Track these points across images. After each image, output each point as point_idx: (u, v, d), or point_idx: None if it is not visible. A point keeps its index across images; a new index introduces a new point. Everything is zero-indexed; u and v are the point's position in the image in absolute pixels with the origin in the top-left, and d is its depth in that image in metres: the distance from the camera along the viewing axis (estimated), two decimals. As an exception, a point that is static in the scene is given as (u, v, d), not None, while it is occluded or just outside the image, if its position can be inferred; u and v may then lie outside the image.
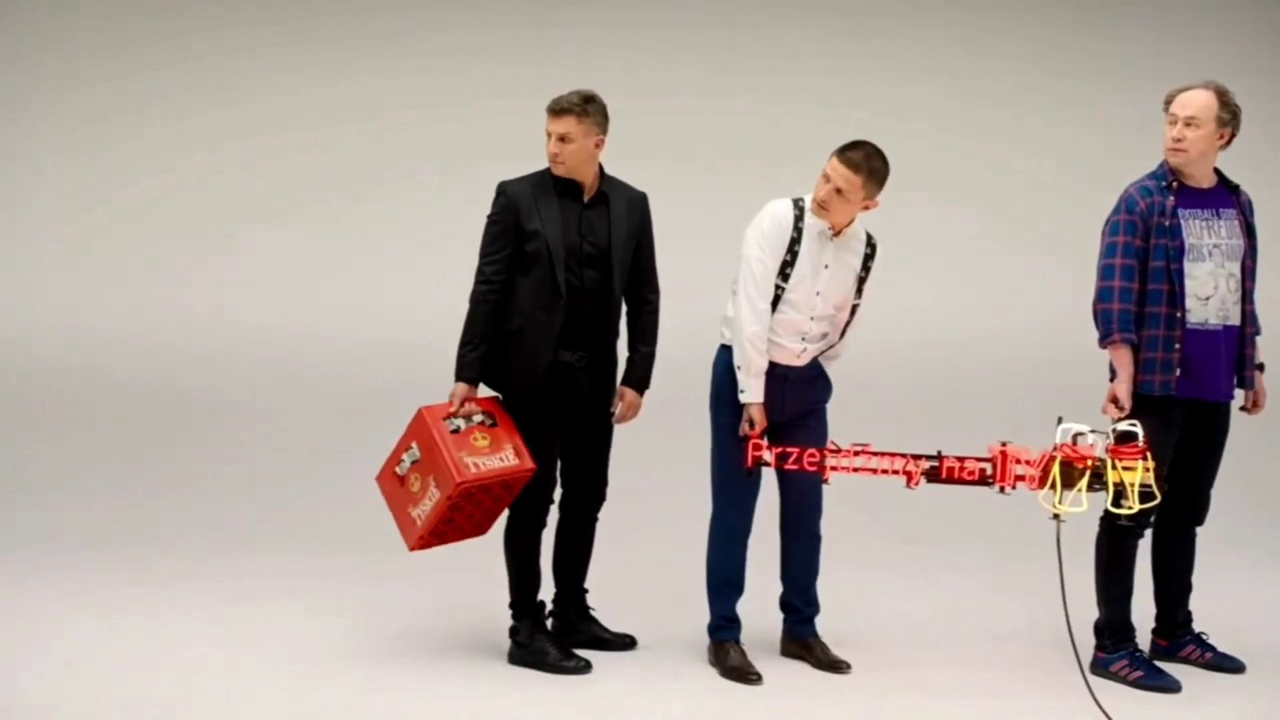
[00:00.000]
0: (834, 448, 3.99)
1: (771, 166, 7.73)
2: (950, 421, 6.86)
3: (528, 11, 7.65)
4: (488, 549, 4.57)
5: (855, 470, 3.95)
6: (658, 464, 5.79)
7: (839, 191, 4.16)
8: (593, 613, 4.64)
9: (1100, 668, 4.31)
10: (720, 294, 4.45)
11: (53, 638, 4.59)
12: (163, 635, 4.61)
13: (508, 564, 4.40)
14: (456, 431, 4.19)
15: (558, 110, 4.32)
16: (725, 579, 4.40)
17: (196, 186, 7.28)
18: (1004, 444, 3.91)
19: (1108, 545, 4.33)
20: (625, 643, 4.58)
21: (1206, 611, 4.63)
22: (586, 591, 4.65)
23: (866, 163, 4.15)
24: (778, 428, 4.26)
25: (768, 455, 4.00)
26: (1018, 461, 3.87)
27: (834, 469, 3.97)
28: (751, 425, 4.16)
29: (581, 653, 4.42)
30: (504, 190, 4.35)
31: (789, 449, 3.98)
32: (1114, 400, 4.18)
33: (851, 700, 4.13)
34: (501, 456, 4.21)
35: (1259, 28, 8.04)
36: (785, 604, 4.53)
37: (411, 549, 4.28)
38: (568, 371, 4.32)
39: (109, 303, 7.26)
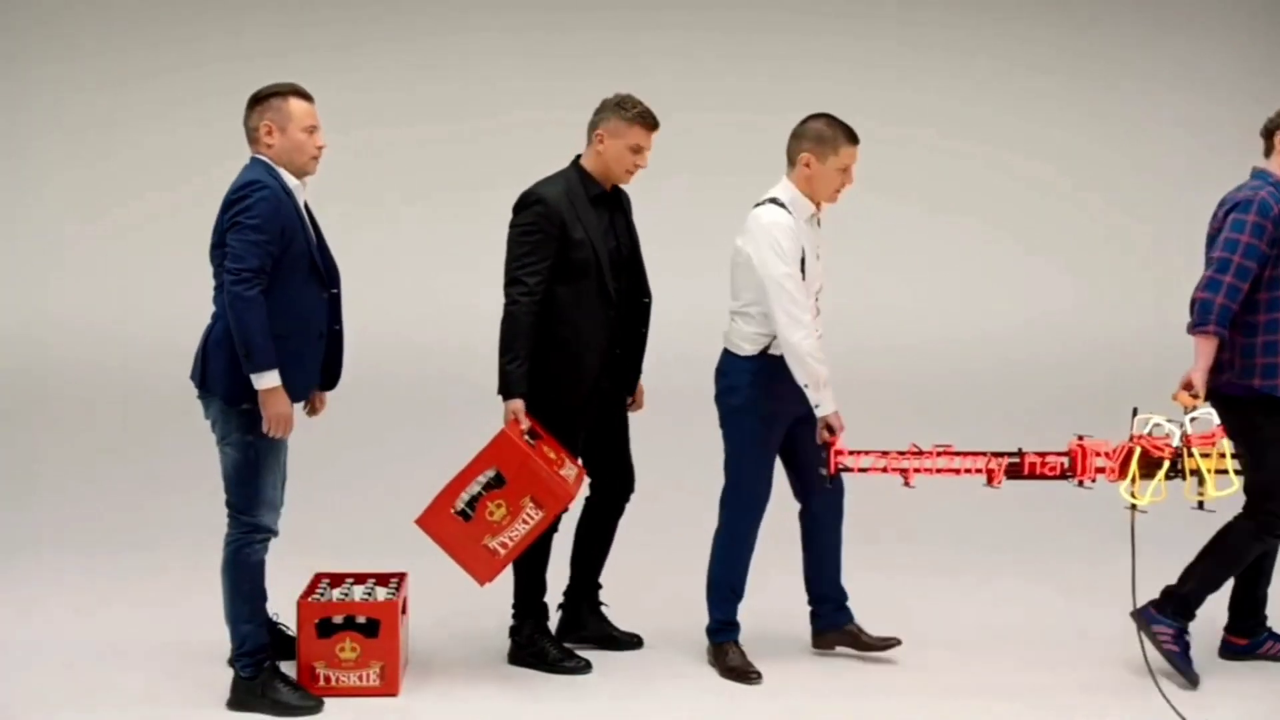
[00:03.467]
0: (916, 450, 4.00)
1: (766, 172, 7.79)
2: (950, 420, 6.87)
3: (518, 14, 7.66)
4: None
5: (939, 472, 3.96)
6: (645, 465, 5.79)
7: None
8: (604, 609, 4.63)
9: (1145, 620, 4.28)
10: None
11: (53, 638, 4.59)
12: (163, 635, 4.61)
13: (516, 564, 4.37)
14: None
15: (657, 126, 4.30)
16: (731, 585, 4.39)
17: (203, 188, 7.28)
18: (1081, 438, 3.93)
19: (1246, 538, 4.25)
20: (633, 642, 4.57)
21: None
22: (600, 587, 4.63)
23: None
24: (799, 423, 4.26)
25: (850, 461, 4.01)
26: (1097, 454, 3.89)
27: (917, 471, 3.99)
28: (831, 432, 4.13)
29: (583, 651, 4.41)
30: (541, 199, 4.21)
31: (867, 452, 4.01)
32: (1187, 387, 4.17)
33: (854, 696, 4.14)
34: (567, 470, 4.16)
35: (1255, 28, 8.04)
36: (821, 597, 4.50)
37: (485, 583, 4.14)
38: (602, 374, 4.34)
39: (113, 302, 7.27)
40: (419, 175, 7.56)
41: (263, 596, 4.04)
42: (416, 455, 6.83)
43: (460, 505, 4.07)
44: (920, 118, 7.64)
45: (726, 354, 4.33)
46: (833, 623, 4.49)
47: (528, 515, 4.03)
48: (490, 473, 4.06)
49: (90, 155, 7.44)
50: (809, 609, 4.53)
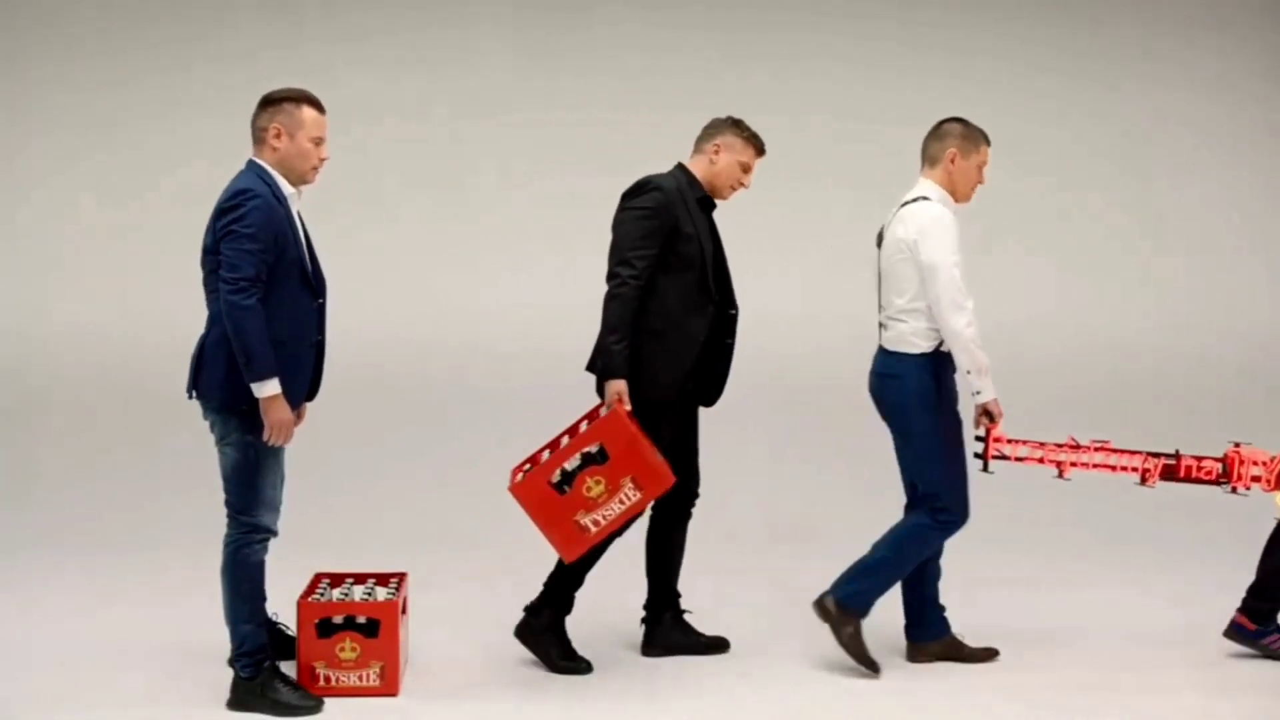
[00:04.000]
0: (1073, 443, 4.05)
1: (763, 170, 7.79)
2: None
3: (523, 12, 7.66)
4: (486, 552, 4.56)
5: (1094, 467, 4.03)
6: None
7: None
8: (687, 616, 4.59)
9: (1248, 638, 4.37)
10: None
11: (53, 638, 4.59)
12: (163, 635, 4.61)
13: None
14: None
15: (765, 152, 4.42)
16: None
17: (203, 188, 7.27)
18: (1237, 445, 3.97)
19: None
20: (720, 646, 4.56)
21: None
22: (680, 595, 4.59)
23: None
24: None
25: (1007, 449, 4.08)
26: (1253, 463, 3.93)
27: (1074, 465, 4.05)
28: (990, 419, 4.20)
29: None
30: (659, 186, 4.26)
31: (1024, 441, 4.09)
32: None
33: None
34: (660, 456, 4.15)
35: (1255, 28, 8.04)
36: (933, 603, 4.48)
37: (572, 559, 4.13)
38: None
39: (113, 302, 7.26)
40: (418, 175, 7.56)
41: (262, 597, 4.04)
42: (416, 455, 6.86)
43: (557, 478, 4.05)
44: (919, 118, 7.63)
45: (895, 355, 4.32)
46: (942, 633, 4.48)
47: (625, 495, 4.01)
48: (593, 448, 4.04)
49: (90, 154, 7.43)
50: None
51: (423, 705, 4.04)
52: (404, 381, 7.24)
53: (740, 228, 4.50)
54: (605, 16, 7.64)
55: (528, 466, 4.23)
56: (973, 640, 4.50)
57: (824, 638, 4.38)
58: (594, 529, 4.04)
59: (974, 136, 4.39)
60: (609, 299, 4.17)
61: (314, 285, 4.04)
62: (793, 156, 6.25)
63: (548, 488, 4.05)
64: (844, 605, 4.30)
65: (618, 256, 4.20)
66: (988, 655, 4.45)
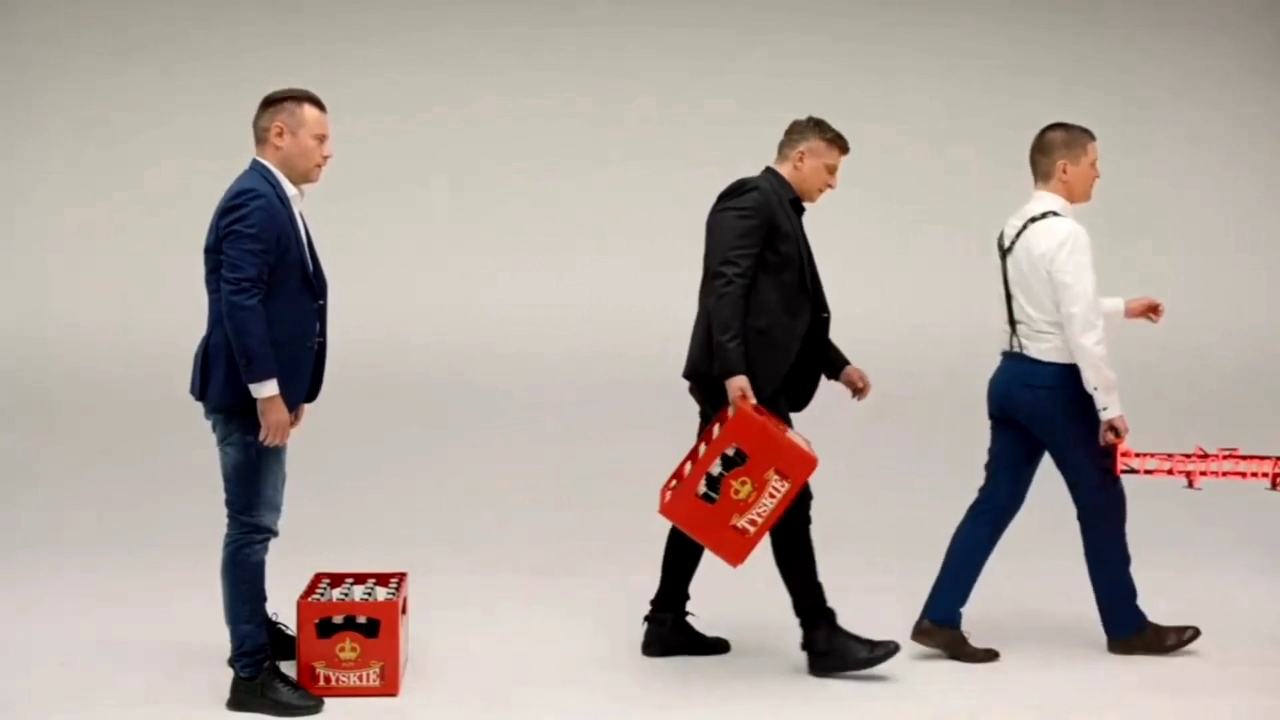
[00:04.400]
0: (1201, 453, 4.14)
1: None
2: (945, 421, 6.88)
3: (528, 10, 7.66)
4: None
5: (1224, 475, 4.12)
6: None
7: None
8: (690, 619, 4.58)
9: None
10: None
11: (53, 638, 4.59)
12: (163, 635, 4.61)
13: (794, 569, 4.30)
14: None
15: (849, 150, 4.42)
16: (1128, 587, 4.50)
17: (202, 186, 7.27)
18: None
19: None
20: (720, 647, 4.56)
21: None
22: (688, 598, 4.58)
23: None
24: None
25: (1135, 463, 4.17)
26: None
27: (1203, 474, 4.13)
28: (1117, 435, 4.28)
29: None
30: (757, 186, 4.28)
31: (1152, 454, 4.19)
32: None
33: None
34: (798, 437, 4.14)
35: (1255, 28, 8.05)
36: (964, 593, 4.56)
37: (739, 563, 4.08)
38: None
39: (113, 302, 7.27)
40: (418, 175, 7.56)
41: (262, 597, 4.04)
42: (416, 455, 6.86)
43: (703, 489, 4.03)
44: (916, 118, 7.64)
45: (1045, 366, 4.38)
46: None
47: (774, 488, 3.99)
48: (729, 451, 4.02)
49: (89, 153, 7.44)
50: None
51: (423, 705, 4.04)
52: (404, 382, 7.24)
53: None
54: (590, 14, 7.64)
55: (674, 484, 4.23)
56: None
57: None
58: (753, 529, 4.01)
59: (1078, 140, 4.43)
60: (717, 299, 4.14)
61: (315, 286, 4.04)
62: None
63: (696, 500, 4.03)
64: (1129, 636, 4.47)
65: (720, 256, 4.18)
66: (987, 656, 4.46)
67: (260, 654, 3.97)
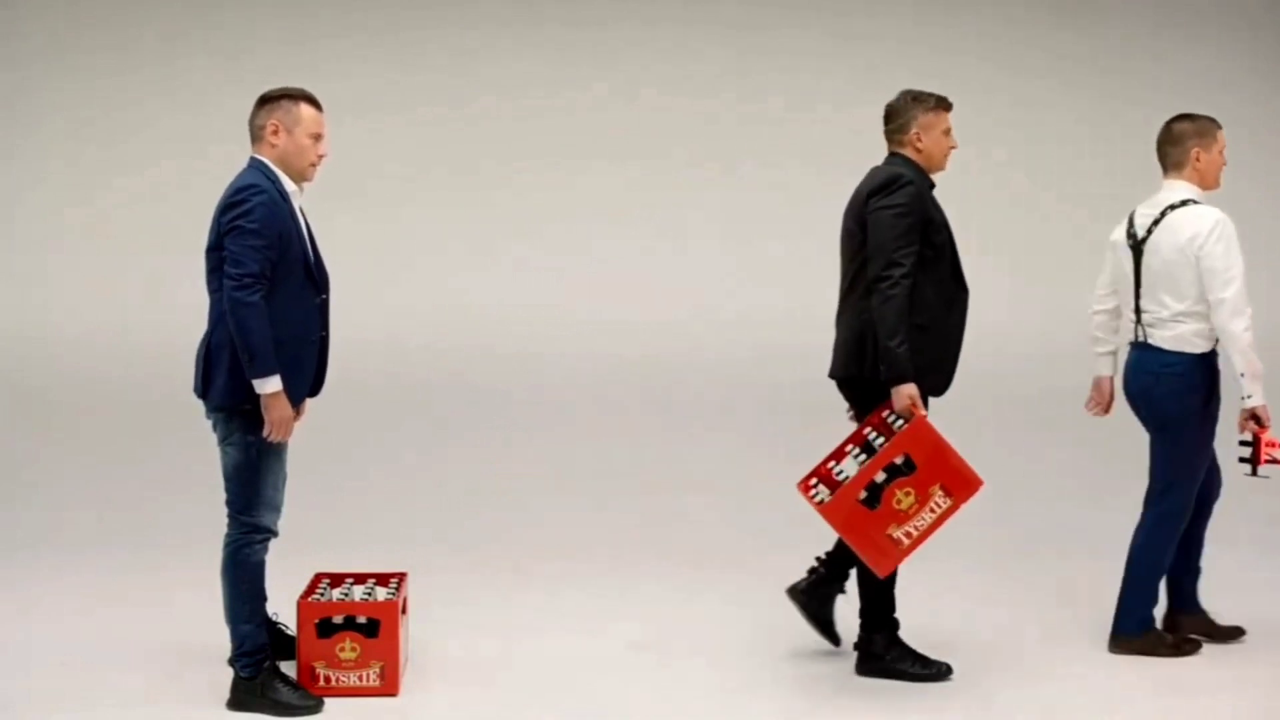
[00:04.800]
0: None
1: (764, 166, 7.81)
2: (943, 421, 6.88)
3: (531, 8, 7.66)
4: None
5: None
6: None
7: None
8: (840, 597, 4.50)
9: None
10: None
11: (53, 638, 4.59)
12: (163, 635, 4.61)
13: (863, 577, 4.26)
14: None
15: (952, 106, 4.37)
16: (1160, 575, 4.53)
17: (200, 184, 7.27)
18: None
19: None
20: (832, 638, 4.51)
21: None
22: (848, 576, 4.48)
23: None
24: None
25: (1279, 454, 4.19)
26: None
27: None
28: (1259, 424, 4.29)
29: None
30: (910, 180, 4.17)
31: None
32: None
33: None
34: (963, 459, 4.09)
35: (1255, 28, 8.05)
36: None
37: (886, 573, 4.07)
38: None
39: (114, 301, 7.26)
40: (417, 175, 7.56)
41: (262, 597, 4.04)
42: (416, 455, 6.86)
43: (865, 493, 3.99)
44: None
45: (1175, 355, 4.38)
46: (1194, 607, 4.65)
47: (935, 504, 3.96)
48: (899, 459, 3.99)
49: (88, 152, 7.43)
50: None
51: (423, 705, 4.04)
52: (403, 382, 7.24)
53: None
54: (607, 16, 7.64)
55: (814, 481, 4.19)
56: None
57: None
58: (906, 541, 3.97)
59: (1208, 128, 4.46)
60: (883, 302, 4.05)
61: (317, 281, 4.04)
62: (780, 154, 6.24)
63: (857, 504, 3.98)
64: (1138, 633, 4.47)
65: (885, 258, 4.08)
66: (1234, 634, 4.60)
67: (260, 654, 3.97)
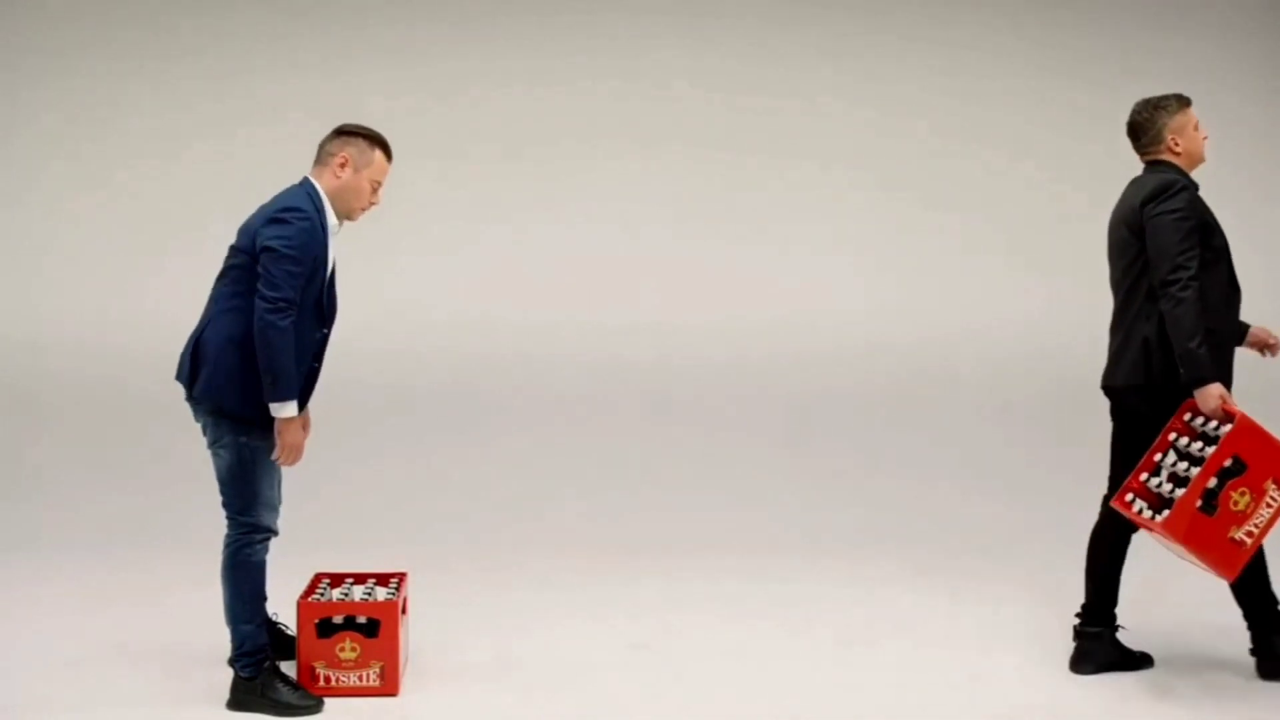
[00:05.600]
0: None
1: (771, 160, 7.80)
2: (940, 421, 6.87)
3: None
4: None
5: None
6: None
7: None
8: (1120, 631, 4.41)
9: None
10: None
11: (53, 638, 4.59)
12: (163, 635, 4.61)
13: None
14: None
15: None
16: None
17: (198, 183, 7.28)
18: None
19: None
20: (1145, 661, 4.43)
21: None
22: (1115, 603, 4.42)
23: None
24: None
25: None
26: None
27: None
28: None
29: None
30: (1185, 185, 4.20)
31: None
32: None
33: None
34: None
35: (1255, 28, 8.04)
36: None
37: (1234, 577, 4.05)
38: None
39: (113, 300, 7.25)
40: (417, 174, 7.55)
41: (263, 597, 4.05)
42: (416, 455, 6.86)
43: (1202, 501, 3.99)
44: (915, 112, 7.64)
45: None
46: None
47: (1271, 499, 3.96)
48: (1228, 462, 3.99)
49: (86, 150, 7.42)
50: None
51: (423, 705, 4.04)
52: (404, 382, 7.24)
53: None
54: (609, 15, 7.63)
55: (1130, 497, 4.16)
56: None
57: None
58: (1249, 540, 3.98)
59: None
60: (1175, 305, 4.04)
61: (324, 315, 4.05)
62: (792, 150, 6.21)
63: (1196, 514, 3.98)
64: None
65: (1170, 264, 4.08)
66: None
67: (260, 654, 3.97)
